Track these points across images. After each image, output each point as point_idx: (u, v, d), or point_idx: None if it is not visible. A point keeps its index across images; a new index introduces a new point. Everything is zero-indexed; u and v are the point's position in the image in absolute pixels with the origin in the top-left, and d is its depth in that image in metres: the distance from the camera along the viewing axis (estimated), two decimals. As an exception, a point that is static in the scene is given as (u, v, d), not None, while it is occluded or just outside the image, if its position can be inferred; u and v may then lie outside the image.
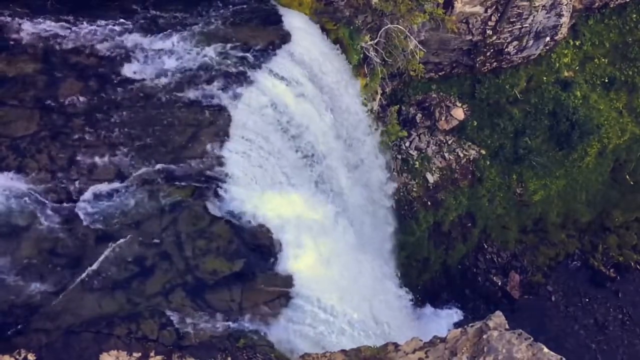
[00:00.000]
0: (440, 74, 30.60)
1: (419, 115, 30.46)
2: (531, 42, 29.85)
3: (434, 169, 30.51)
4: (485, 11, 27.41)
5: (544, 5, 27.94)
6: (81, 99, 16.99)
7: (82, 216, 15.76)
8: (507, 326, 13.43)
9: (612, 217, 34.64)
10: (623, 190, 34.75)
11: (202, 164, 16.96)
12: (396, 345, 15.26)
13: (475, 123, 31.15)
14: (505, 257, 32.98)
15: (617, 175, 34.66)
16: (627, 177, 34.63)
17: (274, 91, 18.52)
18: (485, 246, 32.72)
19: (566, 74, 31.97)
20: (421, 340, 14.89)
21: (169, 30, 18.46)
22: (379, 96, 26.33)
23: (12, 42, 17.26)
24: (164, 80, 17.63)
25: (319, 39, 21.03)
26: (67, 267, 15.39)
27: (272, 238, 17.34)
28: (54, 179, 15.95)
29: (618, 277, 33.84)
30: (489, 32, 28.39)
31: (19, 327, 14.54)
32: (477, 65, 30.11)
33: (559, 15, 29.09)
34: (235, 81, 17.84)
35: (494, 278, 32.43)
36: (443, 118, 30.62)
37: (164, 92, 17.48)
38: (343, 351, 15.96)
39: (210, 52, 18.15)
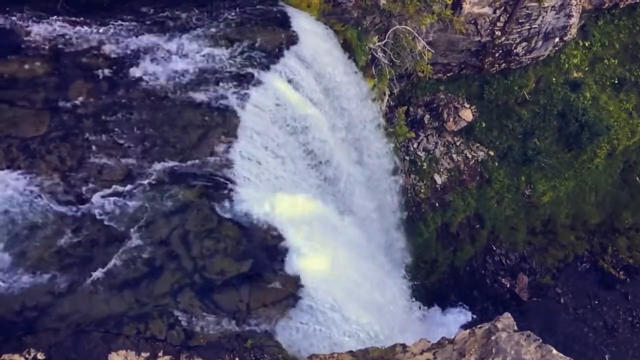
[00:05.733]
0: (448, 75, 30.53)
1: (427, 116, 30.40)
2: (540, 42, 29.73)
3: (441, 170, 30.44)
4: (494, 12, 27.33)
5: (553, 6, 27.83)
6: (91, 100, 17.06)
7: (91, 217, 15.85)
8: (515, 327, 13.38)
9: (622, 219, 34.42)
10: (633, 192, 34.54)
11: (211, 165, 17.01)
12: (404, 346, 15.26)
13: (484, 124, 31.06)
14: (514, 259, 32.84)
15: (627, 176, 34.46)
16: (637, 178, 34.41)
17: (281, 92, 18.56)
18: (494, 248, 32.60)
19: (575, 74, 31.83)
20: (429, 342, 14.87)
21: (179, 32, 18.54)
22: (386, 97, 26.30)
23: (22, 44, 17.37)
24: (173, 82, 17.69)
25: (327, 40, 21.05)
26: (77, 267, 15.47)
27: (280, 239, 17.36)
28: (64, 180, 16.01)
29: (628, 280, 33.62)
30: (498, 33, 28.30)
31: (29, 326, 14.65)
32: (486, 66, 30.02)
33: (568, 16, 28.97)
34: (243, 82, 17.88)
35: (503, 280, 32.31)
36: (451, 119, 30.54)
37: (173, 93, 17.55)
38: (351, 352, 15.97)
39: (219, 53, 18.21)
